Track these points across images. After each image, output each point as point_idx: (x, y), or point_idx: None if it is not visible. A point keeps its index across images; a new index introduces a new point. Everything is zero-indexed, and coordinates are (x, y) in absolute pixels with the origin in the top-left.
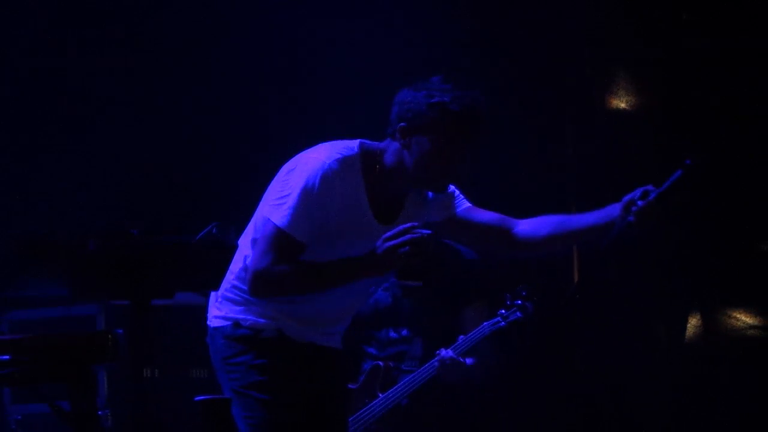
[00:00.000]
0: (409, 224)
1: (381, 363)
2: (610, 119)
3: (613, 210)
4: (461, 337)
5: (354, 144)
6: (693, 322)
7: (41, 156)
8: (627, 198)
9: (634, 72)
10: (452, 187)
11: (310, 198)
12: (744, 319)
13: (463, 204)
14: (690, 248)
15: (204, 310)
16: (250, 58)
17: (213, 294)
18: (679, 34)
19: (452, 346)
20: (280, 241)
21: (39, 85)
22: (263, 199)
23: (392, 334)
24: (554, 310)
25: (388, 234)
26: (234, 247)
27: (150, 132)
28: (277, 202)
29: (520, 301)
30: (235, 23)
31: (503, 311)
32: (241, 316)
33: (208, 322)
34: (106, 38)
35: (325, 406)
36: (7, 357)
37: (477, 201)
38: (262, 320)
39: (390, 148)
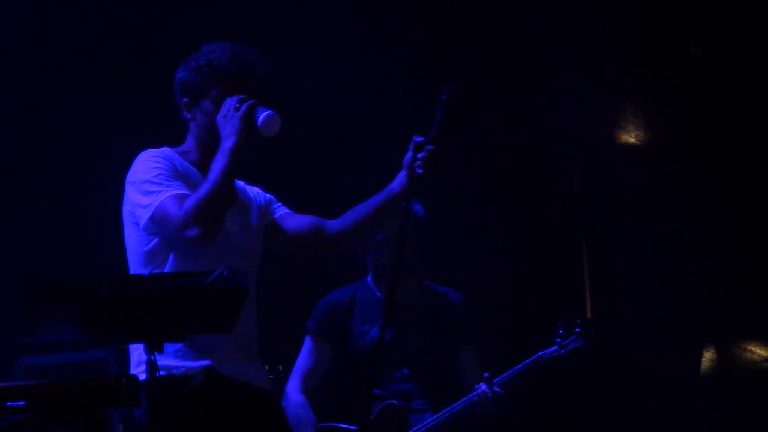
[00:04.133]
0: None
1: (395, 402)
2: (618, 153)
3: (396, 180)
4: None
5: (163, 148)
6: (708, 357)
7: (51, 201)
8: (407, 157)
9: (642, 106)
10: (269, 195)
11: (166, 168)
12: (759, 351)
13: (282, 209)
14: (703, 281)
15: None
16: None
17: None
18: (687, 67)
19: (500, 376)
20: (170, 201)
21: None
22: (123, 216)
23: (391, 371)
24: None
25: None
26: (246, 290)
27: None
28: (152, 183)
29: (579, 329)
30: None
31: (559, 340)
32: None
33: None
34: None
35: None
36: (22, 403)
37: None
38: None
39: (189, 136)
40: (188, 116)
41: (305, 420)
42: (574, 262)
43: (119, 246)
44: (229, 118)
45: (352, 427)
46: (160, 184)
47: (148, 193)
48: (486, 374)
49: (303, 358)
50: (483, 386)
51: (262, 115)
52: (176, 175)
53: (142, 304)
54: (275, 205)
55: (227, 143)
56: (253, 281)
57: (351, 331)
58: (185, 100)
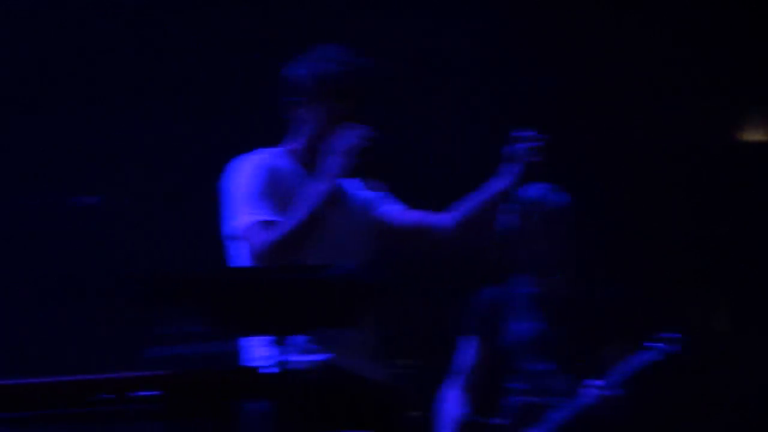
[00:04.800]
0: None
1: (534, 399)
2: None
3: (501, 173)
4: (621, 368)
5: (270, 149)
6: None
7: (175, 196)
8: (512, 149)
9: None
10: (378, 190)
11: (257, 185)
12: None
13: (392, 205)
14: None
15: None
16: None
17: None
18: None
19: (610, 378)
20: (253, 229)
21: None
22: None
23: (536, 366)
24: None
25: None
26: (372, 286)
27: None
28: (241, 202)
29: (683, 329)
30: None
31: (664, 338)
32: None
33: None
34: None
35: None
36: (150, 393)
37: None
38: None
39: (296, 132)
40: (296, 114)
41: (453, 414)
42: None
43: None
44: (340, 155)
45: (496, 422)
46: (249, 205)
47: (236, 209)
48: (605, 377)
49: (461, 358)
50: (598, 383)
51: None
52: (272, 189)
53: (268, 296)
54: (385, 200)
55: (325, 184)
56: None
57: (500, 325)
58: (296, 99)
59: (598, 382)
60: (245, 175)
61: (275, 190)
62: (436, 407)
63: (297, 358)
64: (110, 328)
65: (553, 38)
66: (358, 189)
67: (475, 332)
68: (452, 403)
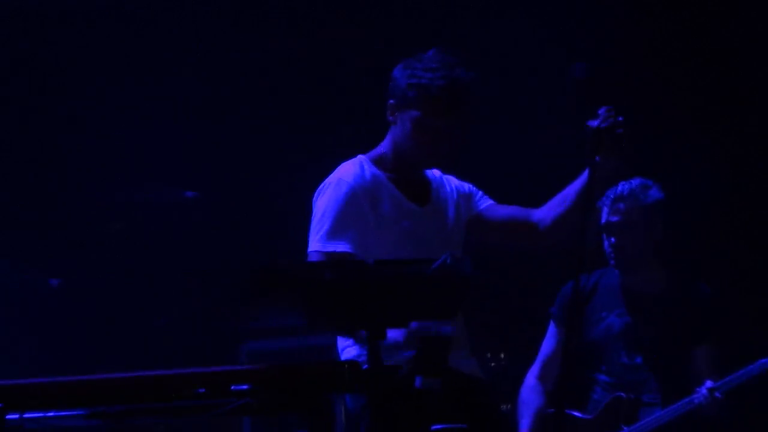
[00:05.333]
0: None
1: (624, 394)
2: None
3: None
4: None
5: (357, 156)
6: None
7: (274, 185)
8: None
9: None
10: (470, 186)
11: (342, 212)
12: None
13: (486, 201)
14: None
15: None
16: None
17: None
18: None
19: (721, 381)
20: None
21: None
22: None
23: (624, 359)
24: None
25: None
26: (468, 277)
27: None
28: (316, 231)
29: None
30: None
31: None
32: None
33: None
34: None
35: None
36: (246, 386)
37: None
38: None
39: (388, 134)
40: (391, 118)
41: (530, 403)
42: None
43: None
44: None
45: (581, 416)
46: (327, 234)
47: (316, 234)
48: (709, 382)
49: (545, 344)
50: (703, 390)
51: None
52: (355, 216)
53: (365, 290)
54: (478, 196)
55: None
56: None
57: (588, 316)
58: (392, 102)
59: (710, 384)
60: (336, 200)
61: (356, 218)
62: (519, 396)
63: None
64: (210, 321)
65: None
66: (452, 184)
67: (563, 323)
68: (535, 393)
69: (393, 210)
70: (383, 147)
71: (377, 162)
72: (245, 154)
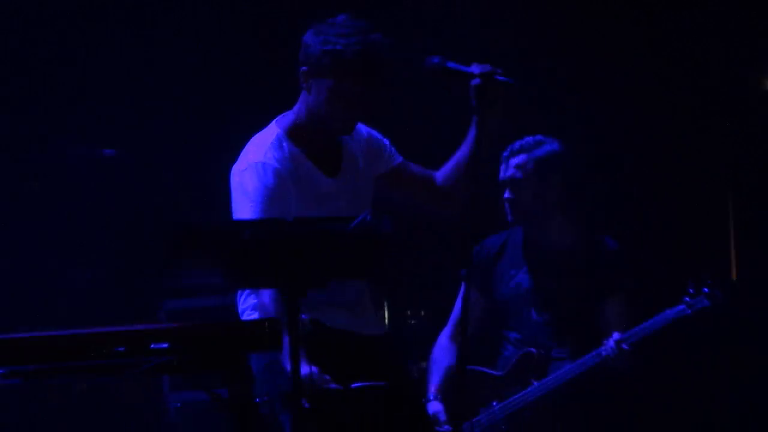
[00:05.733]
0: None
1: (534, 350)
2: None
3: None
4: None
5: (272, 128)
6: None
7: (192, 149)
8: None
9: None
10: (384, 140)
11: (270, 196)
12: None
13: (398, 158)
14: None
15: None
16: None
17: None
18: None
19: (627, 333)
20: None
21: None
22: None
23: (534, 316)
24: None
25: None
26: (388, 235)
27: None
28: (245, 213)
29: (707, 289)
30: None
31: (687, 299)
32: None
33: None
34: None
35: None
36: (165, 345)
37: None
38: None
39: (300, 100)
40: (304, 85)
41: (440, 361)
42: (721, 218)
43: None
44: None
45: (492, 372)
46: (255, 208)
47: (244, 207)
48: (616, 334)
49: (456, 305)
50: (611, 343)
51: None
52: (281, 199)
53: (283, 248)
54: (390, 152)
55: None
56: None
57: (500, 274)
58: (305, 69)
59: (617, 336)
60: (258, 177)
61: (282, 201)
62: (431, 356)
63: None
64: (128, 280)
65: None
66: (366, 134)
67: (472, 282)
68: (445, 351)
69: (312, 187)
70: (297, 114)
71: (293, 136)
72: (163, 112)
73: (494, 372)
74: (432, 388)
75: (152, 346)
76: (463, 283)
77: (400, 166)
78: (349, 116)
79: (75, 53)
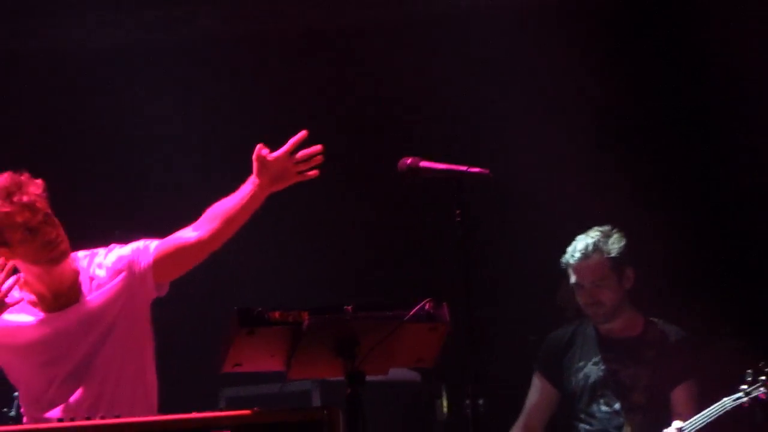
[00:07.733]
0: None
1: None
2: None
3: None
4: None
5: None
6: None
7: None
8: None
9: None
10: (129, 249)
11: None
12: None
13: (153, 246)
14: None
15: (417, 385)
16: None
17: None
18: None
19: (689, 421)
20: None
21: None
22: None
23: (604, 408)
24: None
25: None
26: (446, 323)
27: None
28: None
29: (765, 377)
30: None
31: (745, 387)
32: None
33: None
34: None
35: None
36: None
37: None
38: None
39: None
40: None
41: None
42: None
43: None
44: None
45: None
46: None
47: None
48: (678, 423)
49: (529, 396)
50: (675, 423)
51: None
52: None
53: (344, 336)
54: (144, 251)
55: None
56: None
57: (568, 367)
58: None
59: (678, 425)
60: None
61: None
62: None
63: None
64: (188, 367)
65: None
66: (114, 259)
67: (543, 372)
68: None
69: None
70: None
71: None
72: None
73: None
74: None
75: (213, 431)
76: (534, 374)
77: (159, 248)
78: (42, 248)
79: None
